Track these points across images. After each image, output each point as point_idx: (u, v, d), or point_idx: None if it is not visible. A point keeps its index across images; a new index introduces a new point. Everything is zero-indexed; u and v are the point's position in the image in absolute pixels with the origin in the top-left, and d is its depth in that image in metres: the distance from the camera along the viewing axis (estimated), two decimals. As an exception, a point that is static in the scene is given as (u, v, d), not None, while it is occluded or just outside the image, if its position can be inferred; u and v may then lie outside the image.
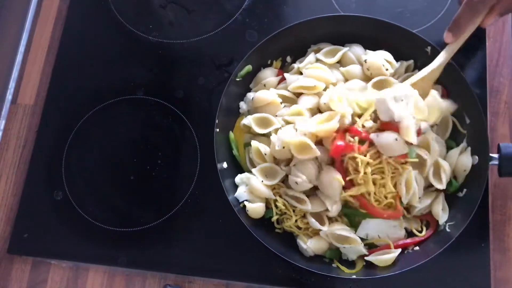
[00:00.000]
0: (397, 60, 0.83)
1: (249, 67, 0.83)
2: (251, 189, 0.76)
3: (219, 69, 0.91)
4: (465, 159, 0.77)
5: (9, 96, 0.94)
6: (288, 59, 0.86)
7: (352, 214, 0.76)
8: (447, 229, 0.75)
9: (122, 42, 0.95)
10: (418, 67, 0.83)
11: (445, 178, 0.76)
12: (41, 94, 0.93)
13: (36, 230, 0.85)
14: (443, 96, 0.81)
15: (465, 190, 0.77)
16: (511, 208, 0.83)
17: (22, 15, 0.98)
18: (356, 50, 0.83)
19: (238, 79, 0.82)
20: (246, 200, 0.77)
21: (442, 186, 0.75)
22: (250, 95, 0.83)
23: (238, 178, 0.78)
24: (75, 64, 0.94)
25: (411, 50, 0.82)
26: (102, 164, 0.88)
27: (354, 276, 0.73)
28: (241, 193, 0.77)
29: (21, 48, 0.97)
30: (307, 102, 0.78)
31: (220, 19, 0.95)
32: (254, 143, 0.78)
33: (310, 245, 0.75)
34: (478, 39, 0.90)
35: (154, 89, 0.91)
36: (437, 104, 0.77)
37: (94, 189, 0.86)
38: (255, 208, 0.76)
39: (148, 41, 0.94)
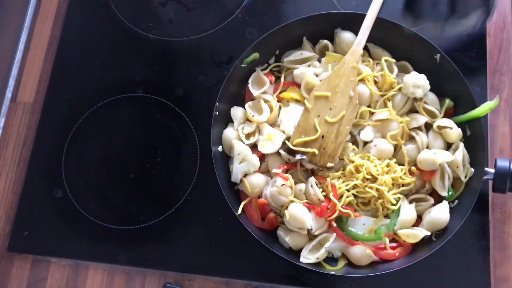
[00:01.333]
0: (397, 60, 0.83)
1: (256, 55, 0.82)
2: (244, 156, 0.77)
3: (219, 67, 0.91)
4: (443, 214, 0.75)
5: (8, 94, 0.94)
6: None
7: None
8: (433, 238, 0.75)
9: (122, 40, 0.95)
10: (424, 70, 0.82)
11: (448, 182, 0.76)
12: (40, 92, 0.93)
13: (36, 228, 0.85)
14: (449, 114, 0.81)
15: (456, 201, 0.77)
16: (511, 206, 0.83)
17: (22, 12, 0.98)
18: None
19: (243, 65, 0.82)
20: (244, 176, 0.77)
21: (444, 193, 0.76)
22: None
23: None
24: (75, 62, 0.94)
25: (414, 52, 0.82)
26: (102, 162, 0.88)
27: (333, 272, 0.73)
28: (237, 167, 0.77)
29: (21, 46, 0.97)
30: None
31: (220, 17, 0.94)
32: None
33: (288, 241, 0.75)
34: (478, 36, 0.90)
35: (154, 87, 0.91)
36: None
37: (94, 187, 0.86)
38: (254, 180, 0.76)
39: (148, 39, 0.94)
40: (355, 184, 0.75)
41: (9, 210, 0.87)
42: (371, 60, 0.83)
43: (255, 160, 0.77)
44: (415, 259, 0.72)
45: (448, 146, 0.79)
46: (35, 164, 0.88)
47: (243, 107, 0.81)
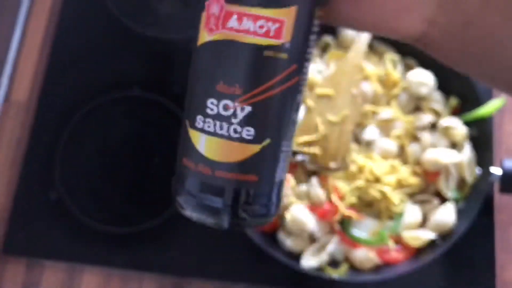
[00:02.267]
0: (403, 56, 0.81)
1: None
2: None
3: (218, 65, 0.90)
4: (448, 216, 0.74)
5: (2, 93, 0.92)
6: None
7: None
8: (438, 241, 0.74)
9: (118, 38, 0.94)
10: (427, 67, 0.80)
11: (453, 183, 0.75)
12: (35, 91, 0.92)
13: (31, 231, 0.83)
14: (455, 112, 0.79)
15: (462, 203, 0.76)
16: (518, 208, 0.82)
17: (15, 10, 0.97)
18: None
19: None
20: None
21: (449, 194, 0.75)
22: None
23: None
24: (70, 60, 0.93)
25: (418, 50, 0.80)
26: (98, 162, 0.87)
27: (335, 275, 0.72)
28: None
29: (14, 44, 0.96)
30: None
31: (218, 14, 0.93)
32: None
33: (289, 244, 0.74)
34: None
35: (151, 86, 0.89)
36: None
37: (89, 188, 0.85)
38: None
39: (145, 36, 0.92)
40: (358, 185, 0.74)
41: (3, 213, 0.86)
42: (375, 57, 0.82)
43: None
44: (419, 263, 0.71)
45: (454, 146, 0.78)
46: (29, 165, 0.87)
47: None
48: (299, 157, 0.75)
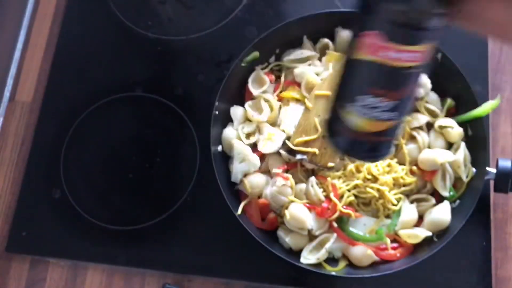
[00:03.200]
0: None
1: (256, 54, 0.81)
2: (244, 156, 0.76)
3: (219, 66, 0.90)
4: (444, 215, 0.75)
5: (7, 93, 0.93)
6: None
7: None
8: (434, 238, 0.75)
9: (121, 39, 0.95)
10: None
11: (449, 182, 0.76)
12: (39, 91, 0.93)
13: (35, 229, 0.84)
14: (451, 113, 0.80)
15: (458, 201, 0.76)
16: (513, 206, 0.83)
17: (20, 11, 0.97)
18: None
19: (243, 65, 0.81)
20: (244, 176, 0.77)
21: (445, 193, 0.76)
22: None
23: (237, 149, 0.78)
24: (74, 61, 0.94)
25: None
26: (100, 162, 0.88)
27: (333, 273, 0.73)
28: (237, 167, 0.76)
29: (19, 45, 0.96)
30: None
31: (219, 16, 0.94)
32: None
33: (288, 241, 0.75)
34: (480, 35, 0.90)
35: (153, 86, 0.90)
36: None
37: (92, 187, 0.86)
38: (254, 180, 0.76)
39: (147, 38, 0.93)
40: (356, 184, 0.75)
41: (7, 211, 0.87)
42: None
43: (255, 159, 0.76)
44: (416, 260, 0.72)
45: (450, 145, 0.79)
46: (33, 164, 0.88)
47: (243, 106, 0.81)
48: (298, 157, 0.76)
